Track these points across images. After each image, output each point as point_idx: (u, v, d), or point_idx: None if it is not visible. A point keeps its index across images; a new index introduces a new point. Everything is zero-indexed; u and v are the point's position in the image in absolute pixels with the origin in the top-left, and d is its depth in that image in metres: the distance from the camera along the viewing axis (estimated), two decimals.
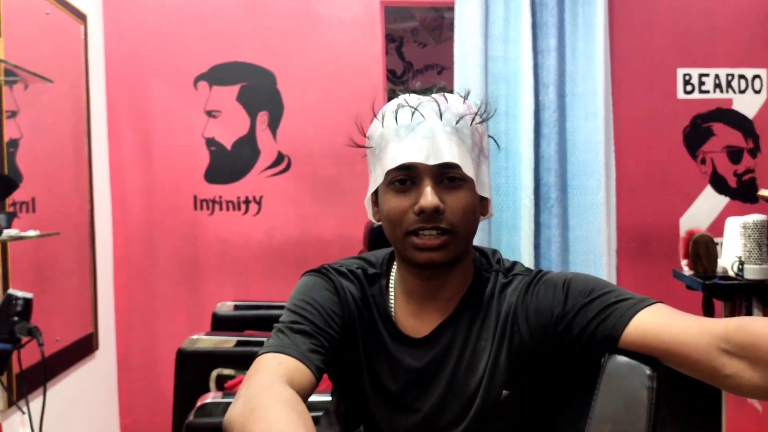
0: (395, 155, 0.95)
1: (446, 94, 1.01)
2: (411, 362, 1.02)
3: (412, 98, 0.99)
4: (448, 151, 0.94)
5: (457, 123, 0.97)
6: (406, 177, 0.96)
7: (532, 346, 0.99)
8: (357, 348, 1.04)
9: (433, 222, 0.95)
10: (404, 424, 1.03)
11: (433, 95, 1.00)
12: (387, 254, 1.11)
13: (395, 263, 1.08)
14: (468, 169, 0.96)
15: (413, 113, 0.97)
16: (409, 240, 0.97)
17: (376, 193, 1.04)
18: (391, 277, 1.07)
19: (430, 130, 0.95)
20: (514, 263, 1.08)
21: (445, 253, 0.96)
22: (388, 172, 0.97)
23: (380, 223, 1.05)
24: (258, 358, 0.93)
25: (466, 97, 1.03)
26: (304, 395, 0.88)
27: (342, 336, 1.01)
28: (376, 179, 1.00)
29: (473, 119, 0.99)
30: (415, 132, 0.96)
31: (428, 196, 0.94)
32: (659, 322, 0.89)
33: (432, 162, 0.94)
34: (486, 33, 2.57)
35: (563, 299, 0.97)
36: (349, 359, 1.04)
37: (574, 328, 0.95)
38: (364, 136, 1.06)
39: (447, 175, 0.96)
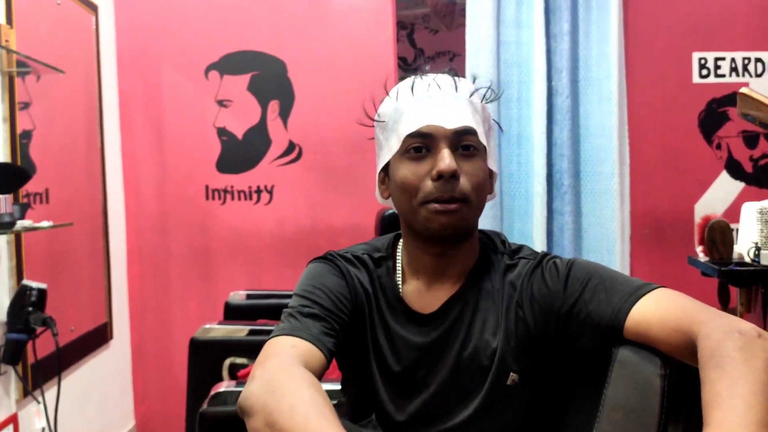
0: (413, 120, 0.97)
1: (458, 76, 1.04)
2: (419, 338, 1.02)
3: (426, 76, 1.02)
4: (466, 117, 0.97)
5: (470, 96, 1.00)
6: (422, 144, 0.97)
7: (537, 331, 0.99)
8: (365, 332, 1.04)
9: (449, 191, 0.95)
10: (413, 407, 1.02)
11: (446, 73, 1.03)
12: (391, 237, 1.12)
13: (400, 244, 1.09)
14: (482, 137, 0.98)
15: (429, 85, 1.00)
16: (425, 208, 0.97)
17: (384, 171, 1.04)
18: (397, 258, 1.08)
19: (447, 98, 0.98)
20: (521, 246, 1.08)
21: (459, 220, 0.97)
22: (405, 139, 0.98)
23: (388, 199, 1.06)
24: (269, 341, 0.93)
25: (473, 81, 1.05)
26: (316, 371, 0.88)
27: (352, 319, 1.01)
28: (390, 150, 1.01)
29: (484, 96, 1.03)
30: (432, 100, 0.99)
31: (446, 159, 0.94)
32: (657, 312, 0.89)
33: (451, 126, 0.96)
34: (498, 18, 2.54)
35: (563, 286, 0.97)
36: (358, 343, 1.04)
37: (576, 316, 0.95)
38: (369, 119, 1.08)
39: (462, 143, 0.97)
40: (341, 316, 0.98)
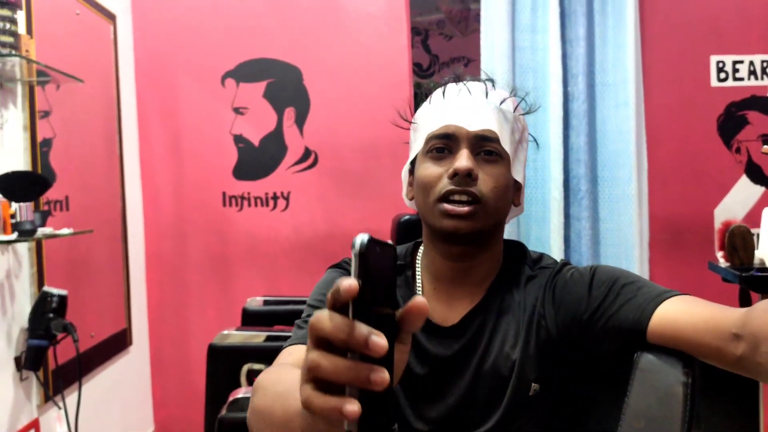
0: (437, 120, 0.99)
1: (495, 85, 1.05)
2: (439, 351, 1.02)
3: (461, 82, 1.04)
4: (489, 121, 0.98)
5: (501, 104, 1.00)
6: (444, 146, 0.99)
7: (559, 339, 0.98)
8: None
9: (464, 186, 0.95)
10: (433, 415, 1.02)
11: (483, 80, 1.04)
12: (411, 245, 1.12)
13: (420, 252, 1.09)
14: (506, 144, 0.98)
15: (460, 90, 1.01)
16: (439, 206, 0.97)
17: (412, 173, 1.06)
18: (417, 267, 1.08)
19: (475, 103, 0.99)
20: (541, 255, 1.08)
21: (472, 222, 0.96)
22: (428, 139, 0.99)
23: (413, 200, 1.06)
24: (281, 352, 0.96)
25: (512, 93, 1.06)
26: None
27: None
28: (415, 150, 1.03)
29: (516, 107, 1.03)
30: (460, 103, 1.00)
31: (463, 159, 0.95)
32: (682, 314, 0.87)
33: (472, 128, 0.97)
34: (513, 23, 2.54)
35: (587, 290, 0.97)
36: None
37: (599, 320, 0.94)
38: (405, 121, 1.10)
39: (485, 148, 0.98)
40: None
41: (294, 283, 2.79)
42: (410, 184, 1.07)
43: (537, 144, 1.08)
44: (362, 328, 0.47)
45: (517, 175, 1.02)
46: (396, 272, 0.48)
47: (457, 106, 0.99)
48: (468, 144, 0.97)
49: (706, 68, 2.73)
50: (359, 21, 2.78)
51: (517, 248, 1.09)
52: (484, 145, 0.98)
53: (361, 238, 0.48)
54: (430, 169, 0.99)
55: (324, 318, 0.48)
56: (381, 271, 0.50)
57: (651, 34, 2.67)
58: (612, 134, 2.54)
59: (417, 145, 1.03)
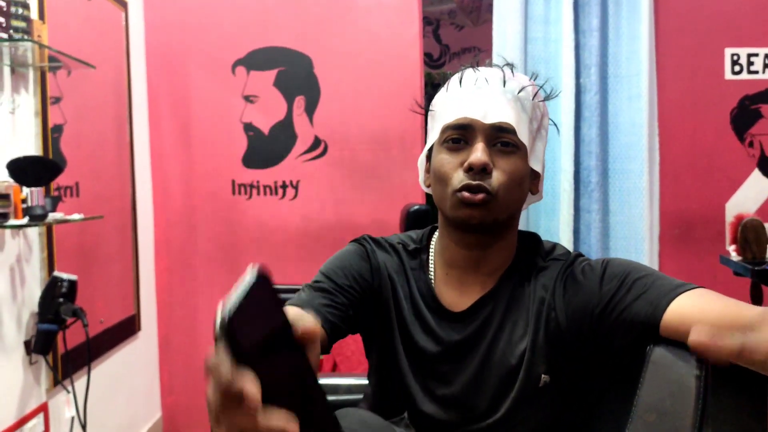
0: (454, 111, 0.98)
1: (513, 70, 1.03)
2: (449, 335, 1.02)
3: (479, 69, 1.02)
4: (506, 113, 0.96)
5: (519, 93, 0.99)
6: (460, 136, 0.98)
7: (569, 331, 0.98)
8: (390, 315, 1.05)
9: (479, 181, 0.95)
10: (440, 394, 1.02)
11: (501, 66, 1.02)
12: (428, 230, 1.13)
13: (435, 237, 1.10)
14: (523, 136, 0.97)
15: (477, 78, 0.99)
16: (455, 197, 0.97)
17: (429, 159, 1.05)
18: (431, 251, 1.09)
19: (491, 93, 0.98)
20: (554, 245, 1.08)
21: (485, 212, 0.96)
22: (444, 129, 0.99)
23: (429, 188, 1.06)
24: None
25: (532, 78, 1.04)
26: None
27: (368, 298, 1.03)
28: (432, 139, 1.03)
29: (535, 94, 1.01)
30: (476, 93, 0.98)
31: (478, 153, 0.95)
32: (697, 308, 0.86)
33: (488, 120, 0.96)
34: (526, 14, 2.52)
35: (599, 283, 0.96)
36: (382, 324, 1.06)
37: (611, 313, 0.93)
38: (421, 107, 1.10)
39: (501, 139, 0.97)
40: (352, 292, 1.01)
41: (302, 272, 2.78)
42: (427, 171, 1.07)
43: (558, 129, 1.07)
44: (240, 389, 0.45)
45: (536, 165, 1.02)
46: (274, 292, 0.49)
47: (473, 96, 0.98)
48: (483, 136, 0.96)
49: (720, 61, 2.70)
50: (370, 10, 2.77)
51: (531, 239, 1.09)
52: (501, 137, 0.97)
53: (221, 316, 0.46)
54: (445, 160, 0.99)
55: (209, 391, 0.48)
56: (255, 314, 0.47)
57: (665, 26, 2.64)
58: (624, 126, 2.52)
59: (433, 134, 1.03)
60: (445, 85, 1.05)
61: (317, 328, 0.51)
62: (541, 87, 1.02)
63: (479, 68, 1.03)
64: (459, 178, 0.97)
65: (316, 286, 1.00)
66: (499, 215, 0.98)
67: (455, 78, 1.03)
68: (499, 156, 0.97)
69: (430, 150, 1.05)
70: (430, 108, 1.06)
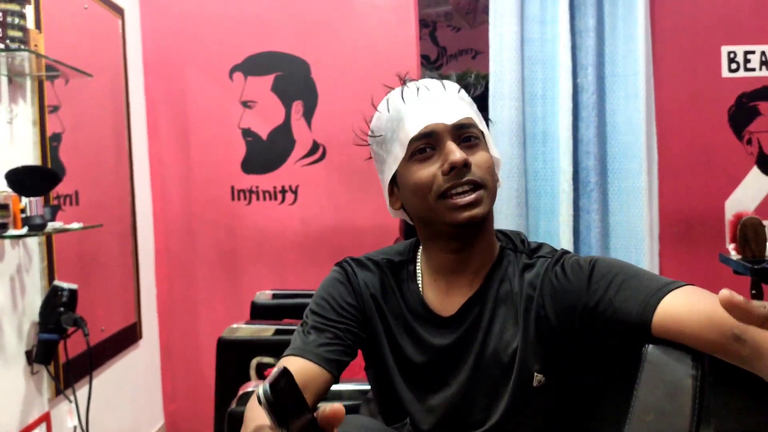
0: (413, 124, 0.99)
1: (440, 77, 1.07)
2: (439, 340, 1.03)
3: (411, 83, 1.06)
4: (462, 110, 1.00)
5: (459, 92, 1.03)
6: (426, 145, 0.99)
7: (559, 329, 0.98)
8: (377, 331, 1.07)
9: (462, 177, 0.96)
10: (436, 406, 1.03)
11: (430, 76, 1.07)
12: (413, 241, 1.14)
13: (420, 248, 1.11)
14: (482, 125, 1.02)
15: (418, 90, 1.02)
16: (443, 203, 0.98)
17: (392, 183, 1.06)
18: (417, 261, 1.10)
19: (438, 98, 1.01)
20: (540, 245, 1.08)
21: (482, 207, 0.98)
22: (410, 144, 0.99)
23: (400, 210, 1.08)
24: (280, 361, 1.01)
25: (456, 79, 1.09)
26: (316, 392, 0.96)
27: (360, 321, 1.06)
28: (396, 159, 1.02)
29: (472, 90, 1.06)
30: (425, 101, 1.01)
31: (455, 152, 0.96)
32: (686, 306, 0.87)
33: (451, 121, 0.98)
34: (522, 14, 2.52)
35: (587, 284, 0.96)
36: (373, 341, 1.08)
37: (602, 314, 0.94)
38: (367, 136, 1.12)
39: (464, 135, 0.99)
40: (343, 321, 1.04)
41: (302, 277, 2.79)
42: (392, 193, 1.08)
43: (488, 123, 1.08)
44: None
45: (494, 152, 1.04)
46: (296, 387, 0.58)
47: (426, 105, 1.00)
48: (450, 137, 0.98)
49: (717, 59, 2.70)
50: (367, 14, 2.77)
51: (515, 236, 1.10)
52: (464, 133, 0.99)
53: (264, 390, 0.55)
54: (420, 172, 0.99)
55: None
56: (289, 397, 0.56)
57: (661, 25, 2.64)
58: (622, 126, 2.52)
59: (395, 154, 1.02)
60: (384, 108, 1.06)
61: (340, 411, 0.57)
62: (473, 80, 1.08)
63: (408, 83, 1.05)
64: (439, 183, 0.97)
65: (309, 328, 1.03)
66: (490, 206, 1.00)
67: (395, 97, 1.04)
68: (469, 151, 0.99)
69: (393, 175, 1.04)
70: (375, 134, 1.07)
